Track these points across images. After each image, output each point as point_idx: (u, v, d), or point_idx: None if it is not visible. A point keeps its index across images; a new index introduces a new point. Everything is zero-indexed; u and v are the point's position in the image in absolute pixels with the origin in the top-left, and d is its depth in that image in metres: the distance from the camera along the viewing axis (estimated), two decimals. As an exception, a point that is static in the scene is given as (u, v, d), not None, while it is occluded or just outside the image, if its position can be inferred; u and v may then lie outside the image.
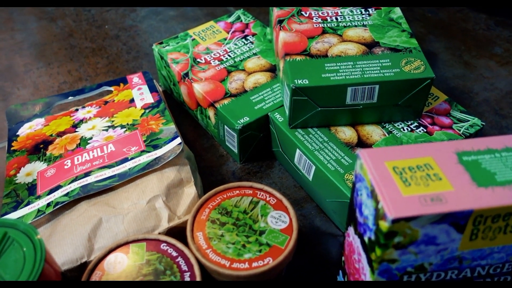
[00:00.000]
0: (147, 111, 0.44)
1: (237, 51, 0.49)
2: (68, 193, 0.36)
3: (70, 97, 0.47)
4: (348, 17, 0.44)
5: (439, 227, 0.24)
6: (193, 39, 0.50)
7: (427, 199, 0.24)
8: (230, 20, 0.53)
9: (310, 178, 0.40)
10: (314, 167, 0.39)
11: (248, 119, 0.42)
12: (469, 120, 0.42)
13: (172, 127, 0.41)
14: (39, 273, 0.25)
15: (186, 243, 0.37)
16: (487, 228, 0.25)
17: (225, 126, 0.44)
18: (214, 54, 0.48)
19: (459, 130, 0.41)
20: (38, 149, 0.42)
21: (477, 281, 0.28)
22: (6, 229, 0.27)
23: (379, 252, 0.25)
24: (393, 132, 0.41)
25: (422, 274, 0.26)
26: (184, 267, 0.31)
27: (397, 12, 0.45)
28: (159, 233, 0.35)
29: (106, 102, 0.46)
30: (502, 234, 0.25)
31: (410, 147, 0.27)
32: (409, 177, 0.25)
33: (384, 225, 0.24)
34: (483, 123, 0.41)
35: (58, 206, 0.36)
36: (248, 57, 0.48)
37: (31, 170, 0.40)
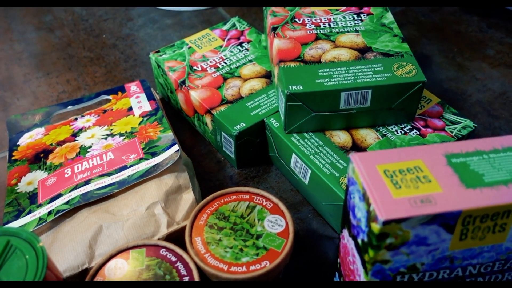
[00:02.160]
0: (145, 119, 0.44)
1: (233, 58, 0.50)
2: (68, 201, 0.37)
3: (69, 107, 0.48)
4: (341, 23, 0.45)
5: (430, 228, 0.25)
6: (189, 47, 0.51)
7: (417, 201, 0.25)
8: (225, 27, 0.54)
9: (306, 182, 0.41)
10: (310, 171, 0.40)
11: (244, 125, 0.43)
12: (461, 122, 0.42)
13: (170, 134, 0.42)
14: (41, 280, 0.26)
15: (185, 248, 0.38)
16: (476, 228, 0.25)
17: (222, 132, 0.44)
18: (210, 62, 0.49)
19: (452, 132, 0.41)
20: (39, 158, 0.43)
21: (469, 280, 0.28)
22: (8, 237, 0.28)
23: (372, 253, 0.26)
24: (387, 135, 0.42)
25: (415, 274, 0.27)
26: (183, 272, 0.32)
27: (388, 17, 0.46)
28: (158, 239, 0.36)
29: (104, 111, 0.47)
30: (491, 234, 0.26)
31: (400, 150, 0.27)
32: (399, 179, 0.26)
33: (376, 227, 0.24)
34: (475, 125, 0.42)
35: (59, 214, 0.36)
36: (244, 64, 0.49)
37: (32, 179, 0.41)
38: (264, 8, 0.49)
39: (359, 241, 0.27)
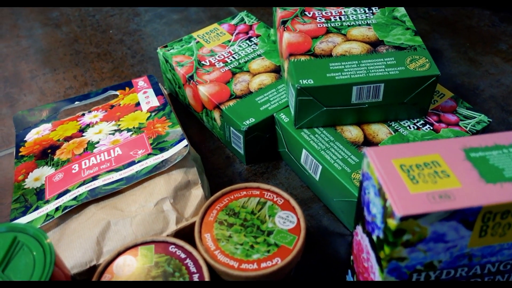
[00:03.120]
0: (153, 114, 0.44)
1: (242, 52, 0.49)
2: (76, 197, 0.37)
3: (76, 102, 0.48)
4: (352, 16, 0.44)
5: (448, 224, 0.24)
6: (197, 42, 0.50)
7: (435, 196, 0.24)
8: (233, 22, 0.53)
9: (317, 178, 0.40)
10: (320, 167, 0.39)
11: (253, 120, 0.42)
12: (475, 117, 0.41)
13: (178, 129, 0.41)
14: (49, 277, 0.26)
15: (194, 245, 0.37)
16: (497, 225, 0.24)
17: (231, 128, 0.44)
18: (218, 56, 0.48)
19: (466, 127, 0.41)
20: (46, 154, 0.42)
21: (488, 279, 0.27)
22: (16, 233, 0.27)
23: (388, 251, 0.25)
24: (399, 130, 0.41)
25: (432, 271, 0.26)
26: (193, 269, 0.31)
27: (400, 10, 0.45)
28: (167, 235, 0.35)
29: (112, 106, 0.46)
30: (511, 231, 0.25)
31: (417, 145, 0.27)
32: (416, 174, 0.25)
33: (393, 223, 0.24)
34: (489, 120, 0.41)
35: (66, 210, 0.36)
36: (253, 58, 0.48)
37: (39, 175, 0.40)
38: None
39: (374, 237, 0.26)
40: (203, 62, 0.48)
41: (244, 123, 0.42)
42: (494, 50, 0.57)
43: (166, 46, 0.50)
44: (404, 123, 0.41)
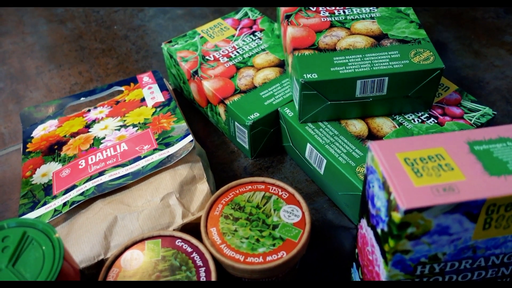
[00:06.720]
0: (158, 109, 0.44)
1: (246, 47, 0.49)
2: (83, 192, 0.37)
3: (82, 98, 0.48)
4: (356, 10, 0.44)
5: (452, 217, 0.24)
6: (202, 37, 0.51)
7: (439, 189, 0.24)
8: (237, 16, 0.53)
9: (322, 172, 0.41)
10: (325, 161, 0.39)
11: (258, 114, 0.42)
12: (480, 110, 0.41)
13: (183, 124, 0.42)
14: (58, 271, 0.26)
15: (200, 239, 0.37)
16: (500, 217, 0.25)
17: (236, 123, 0.44)
18: (222, 51, 0.49)
19: (471, 120, 0.41)
20: (53, 150, 0.43)
21: (492, 270, 0.28)
22: (25, 228, 0.28)
23: (392, 243, 0.25)
24: (403, 123, 0.41)
25: (436, 264, 0.26)
26: (199, 263, 0.32)
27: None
28: (174, 230, 0.35)
29: (117, 102, 0.47)
30: (515, 223, 0.25)
31: (421, 138, 0.27)
32: (420, 168, 0.25)
33: (397, 216, 0.24)
34: (494, 112, 0.41)
35: (74, 206, 0.36)
36: (257, 53, 0.48)
37: (46, 171, 0.41)
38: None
39: (379, 231, 0.27)
40: (207, 57, 0.48)
41: (248, 117, 0.42)
42: (499, 42, 0.57)
43: (170, 42, 0.50)
44: (409, 117, 0.41)
